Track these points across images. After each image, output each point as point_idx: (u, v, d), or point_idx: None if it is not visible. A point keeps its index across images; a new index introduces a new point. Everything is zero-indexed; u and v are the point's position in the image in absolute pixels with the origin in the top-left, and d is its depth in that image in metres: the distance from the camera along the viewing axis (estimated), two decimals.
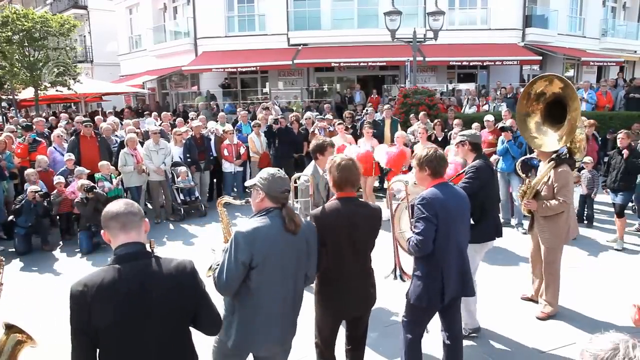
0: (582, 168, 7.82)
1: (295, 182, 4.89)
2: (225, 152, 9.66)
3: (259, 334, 2.66)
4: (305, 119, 11.19)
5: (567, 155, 4.71)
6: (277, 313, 2.69)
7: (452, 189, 3.35)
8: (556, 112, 4.51)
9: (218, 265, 2.66)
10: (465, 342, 4.30)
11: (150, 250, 2.18)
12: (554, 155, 4.58)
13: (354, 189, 3.15)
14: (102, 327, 1.91)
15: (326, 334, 3.32)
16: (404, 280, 4.48)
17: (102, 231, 2.10)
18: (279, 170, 2.76)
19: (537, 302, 4.96)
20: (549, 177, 4.57)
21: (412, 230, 3.40)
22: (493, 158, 8.25)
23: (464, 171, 4.39)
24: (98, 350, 1.98)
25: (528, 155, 6.41)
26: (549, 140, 4.54)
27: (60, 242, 7.81)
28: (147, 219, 2.17)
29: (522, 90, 14.67)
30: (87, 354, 1.96)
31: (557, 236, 4.62)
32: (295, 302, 2.80)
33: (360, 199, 3.41)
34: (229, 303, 2.72)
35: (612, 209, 7.46)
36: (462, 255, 3.34)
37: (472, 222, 4.11)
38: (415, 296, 3.31)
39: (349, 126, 10.28)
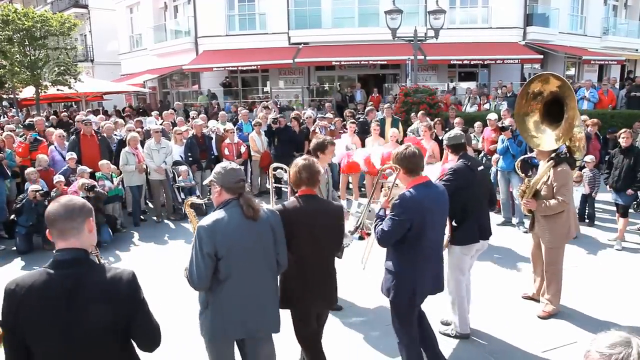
0: (584, 167, 7.82)
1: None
2: (226, 151, 9.65)
3: (234, 320, 2.77)
4: (306, 117, 11.19)
5: (567, 154, 4.71)
6: (250, 297, 2.79)
7: (432, 189, 3.37)
8: (554, 110, 4.53)
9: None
10: (467, 341, 4.30)
11: (95, 253, 2.17)
12: (553, 155, 4.58)
13: (315, 187, 3.28)
14: (28, 331, 1.86)
15: (299, 328, 3.34)
16: None
17: (47, 230, 2.03)
18: (230, 163, 2.92)
19: (538, 301, 4.96)
20: (549, 176, 4.57)
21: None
22: (495, 157, 8.24)
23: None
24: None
25: (528, 155, 6.41)
26: (547, 139, 4.57)
27: None
28: (91, 218, 2.06)
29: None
30: (18, 358, 1.91)
31: (557, 236, 4.62)
32: (269, 286, 2.91)
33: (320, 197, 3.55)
34: (203, 299, 2.80)
35: (613, 208, 7.46)
36: (437, 255, 3.46)
37: (454, 224, 4.16)
38: (385, 289, 3.41)
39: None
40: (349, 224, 4.58)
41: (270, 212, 2.95)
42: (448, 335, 4.38)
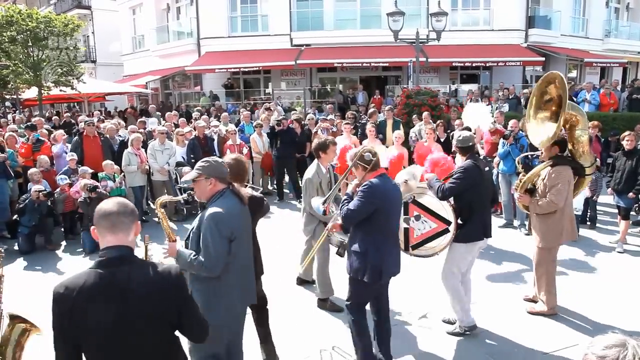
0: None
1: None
2: (228, 152, 9.66)
3: (244, 289, 3.12)
4: (308, 119, 11.21)
5: (570, 157, 4.74)
6: (249, 270, 3.20)
7: (390, 181, 3.75)
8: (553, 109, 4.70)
9: (194, 256, 2.86)
10: (468, 342, 4.31)
11: (145, 247, 2.18)
12: (553, 155, 4.65)
13: (243, 183, 3.60)
14: (82, 332, 1.89)
15: None
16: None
17: (92, 227, 2.08)
18: (210, 157, 3.12)
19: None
20: (545, 175, 4.62)
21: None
22: (496, 160, 8.24)
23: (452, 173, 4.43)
24: (84, 354, 1.95)
25: (529, 152, 6.45)
26: (542, 136, 4.61)
27: (64, 242, 7.83)
28: (139, 222, 2.15)
29: (526, 90, 14.58)
30: (70, 358, 1.94)
31: (547, 236, 4.68)
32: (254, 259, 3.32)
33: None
34: (210, 286, 2.92)
35: (614, 210, 7.46)
36: (397, 240, 3.86)
37: (459, 222, 4.25)
38: (353, 270, 3.64)
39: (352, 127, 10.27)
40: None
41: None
42: (456, 334, 4.39)
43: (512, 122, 7.80)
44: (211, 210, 2.88)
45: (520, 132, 7.67)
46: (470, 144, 4.39)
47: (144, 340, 1.98)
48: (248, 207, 3.21)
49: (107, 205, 2.05)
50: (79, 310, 1.87)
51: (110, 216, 2.01)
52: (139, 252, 2.40)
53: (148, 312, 1.96)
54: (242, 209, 3.06)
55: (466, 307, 4.37)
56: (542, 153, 4.82)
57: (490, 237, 4.40)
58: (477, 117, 8.09)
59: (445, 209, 4.30)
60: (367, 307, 3.90)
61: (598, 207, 8.06)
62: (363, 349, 3.77)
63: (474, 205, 4.22)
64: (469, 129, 7.65)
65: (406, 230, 4.47)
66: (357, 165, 3.70)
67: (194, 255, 2.87)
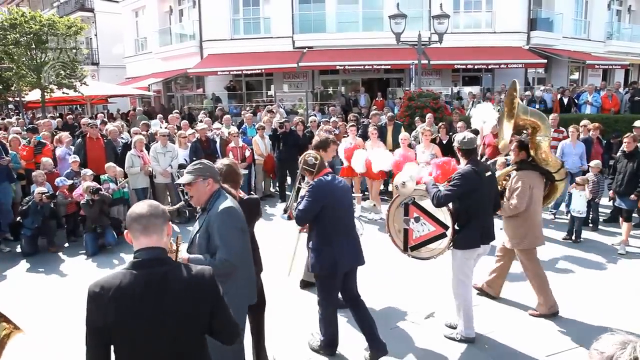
0: (588, 171, 7.82)
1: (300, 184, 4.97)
2: (231, 155, 9.68)
3: (251, 284, 3.23)
4: (311, 121, 11.23)
5: (533, 162, 4.80)
6: (252, 271, 3.30)
7: (336, 178, 3.97)
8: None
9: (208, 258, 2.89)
10: (470, 346, 4.31)
11: (175, 247, 2.21)
12: (519, 159, 4.81)
13: (237, 185, 3.69)
14: (115, 330, 1.92)
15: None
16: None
17: (125, 231, 2.11)
18: (201, 160, 3.15)
19: (483, 292, 5.26)
20: (512, 177, 4.79)
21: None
22: (501, 161, 8.22)
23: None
24: (113, 353, 1.99)
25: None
26: (502, 139, 4.95)
27: (66, 244, 7.85)
28: (171, 224, 2.17)
29: (528, 92, 14.59)
30: (101, 356, 1.97)
31: (512, 238, 4.82)
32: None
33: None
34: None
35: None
36: (351, 232, 3.98)
37: (456, 227, 4.23)
38: (311, 266, 3.89)
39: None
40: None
41: None
42: (453, 339, 4.39)
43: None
44: (221, 206, 2.91)
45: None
46: (474, 146, 4.35)
47: (177, 341, 2.01)
48: (247, 208, 3.30)
49: (139, 207, 2.08)
50: (114, 310, 1.90)
51: (141, 219, 2.03)
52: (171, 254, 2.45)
53: (183, 313, 1.99)
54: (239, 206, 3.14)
55: (470, 320, 4.34)
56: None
57: (493, 240, 4.38)
58: (484, 117, 8.07)
59: (444, 213, 4.30)
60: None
61: (600, 209, 8.06)
62: (326, 338, 4.06)
63: (471, 211, 4.17)
64: (476, 132, 7.67)
65: (405, 231, 4.48)
66: (304, 170, 3.99)
67: (208, 258, 2.85)
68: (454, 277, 4.32)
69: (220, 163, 3.64)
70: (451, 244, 4.29)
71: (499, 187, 4.80)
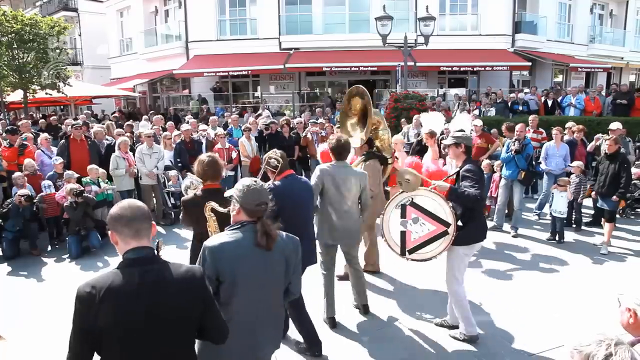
0: (571, 173, 7.92)
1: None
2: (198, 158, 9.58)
3: (231, 346, 2.45)
4: (297, 123, 11.22)
5: (377, 151, 5.71)
6: (250, 327, 2.59)
7: (298, 180, 4.11)
8: (364, 116, 5.68)
9: None
10: (457, 344, 4.33)
11: (157, 251, 2.18)
12: (364, 152, 5.51)
13: (218, 181, 3.82)
14: (106, 330, 1.89)
15: None
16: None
17: (109, 232, 2.06)
18: (255, 182, 2.64)
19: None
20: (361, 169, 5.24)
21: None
22: (486, 162, 8.30)
23: (452, 174, 4.43)
24: (100, 354, 1.96)
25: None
26: (356, 139, 5.57)
27: (49, 247, 7.72)
28: (154, 223, 2.16)
29: (512, 94, 14.79)
30: (84, 357, 1.93)
31: (372, 215, 5.45)
32: (272, 317, 2.71)
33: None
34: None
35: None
36: (308, 233, 4.04)
37: (460, 224, 4.21)
38: None
39: None
40: None
41: (288, 238, 2.72)
42: (456, 338, 4.39)
43: (519, 127, 7.73)
44: (209, 239, 2.58)
45: (527, 138, 7.71)
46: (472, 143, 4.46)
47: (169, 340, 2.00)
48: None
49: (127, 211, 2.03)
50: (108, 309, 1.87)
51: (133, 223, 2.01)
52: None
53: (177, 311, 1.99)
54: (254, 252, 2.53)
55: (469, 316, 4.33)
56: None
57: (486, 237, 4.41)
58: (434, 123, 8.18)
59: (444, 210, 4.19)
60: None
61: (583, 210, 8.17)
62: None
63: (476, 207, 4.22)
64: (433, 134, 7.73)
65: (403, 233, 4.36)
66: (266, 169, 4.10)
67: None
68: (449, 275, 4.32)
69: (205, 155, 3.83)
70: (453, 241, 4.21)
71: None
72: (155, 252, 2.21)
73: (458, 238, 4.19)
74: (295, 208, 3.86)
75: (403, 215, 4.34)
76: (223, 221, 3.07)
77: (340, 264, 5.63)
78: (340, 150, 4.51)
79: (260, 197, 2.59)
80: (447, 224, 4.18)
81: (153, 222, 2.13)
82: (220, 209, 3.10)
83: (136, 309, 1.91)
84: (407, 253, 4.39)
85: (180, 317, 2.01)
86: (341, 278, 5.54)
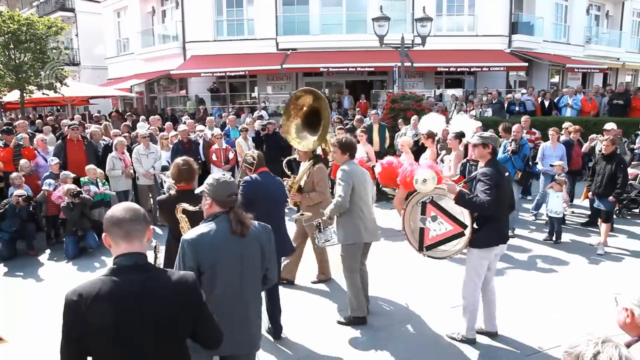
0: (568, 173, 7.96)
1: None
2: (214, 157, 9.62)
3: (226, 337, 2.56)
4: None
5: (323, 156, 5.66)
6: (233, 315, 2.72)
7: (271, 177, 4.39)
8: (313, 120, 5.52)
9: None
10: (455, 344, 4.34)
11: (154, 254, 2.16)
12: (310, 156, 5.49)
13: (192, 183, 4.09)
14: (94, 339, 1.87)
15: None
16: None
17: (103, 234, 2.03)
18: (224, 175, 2.87)
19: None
20: (309, 173, 5.37)
21: None
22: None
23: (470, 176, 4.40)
24: None
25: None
26: (308, 142, 5.50)
27: (48, 250, 7.68)
28: (151, 227, 2.12)
29: (509, 95, 14.78)
30: None
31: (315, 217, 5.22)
32: (252, 304, 2.86)
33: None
34: None
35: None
36: (279, 224, 4.27)
37: (475, 226, 4.16)
38: None
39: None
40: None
41: (261, 227, 2.89)
42: (454, 338, 4.40)
43: (516, 127, 7.71)
44: (187, 233, 2.73)
45: (524, 139, 7.73)
46: (497, 144, 4.45)
47: (159, 349, 1.96)
48: None
49: (120, 212, 1.99)
50: (92, 318, 1.84)
51: (123, 224, 1.96)
52: (149, 259, 2.38)
53: (164, 321, 1.95)
54: (230, 239, 2.68)
55: (474, 321, 4.34)
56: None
57: (506, 243, 4.34)
58: (435, 124, 8.19)
59: (463, 212, 4.19)
60: None
61: (580, 211, 8.21)
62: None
63: (482, 212, 4.10)
64: (432, 134, 7.74)
65: (422, 230, 4.40)
66: (244, 167, 4.40)
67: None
68: (467, 278, 4.29)
69: (180, 159, 4.11)
70: (468, 243, 4.21)
71: (297, 183, 5.46)
72: (154, 255, 2.20)
73: (474, 240, 4.17)
74: (267, 201, 4.12)
75: (423, 212, 4.37)
76: (195, 220, 3.20)
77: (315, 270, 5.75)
78: (355, 148, 4.78)
79: (230, 188, 2.76)
80: (464, 225, 4.17)
81: (150, 227, 2.08)
82: (191, 208, 3.35)
83: (123, 318, 1.88)
84: (424, 249, 4.41)
85: (170, 326, 1.97)
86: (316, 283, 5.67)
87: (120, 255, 1.97)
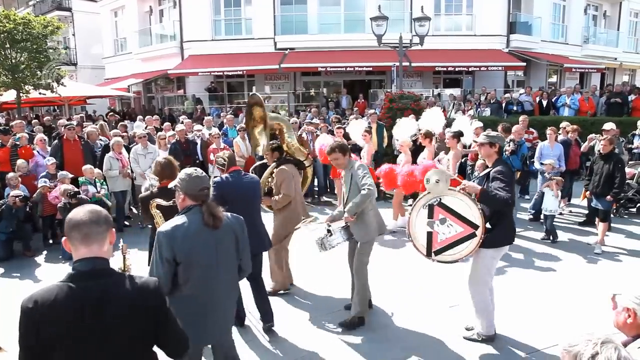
0: (566, 172, 7.96)
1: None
2: (212, 157, 9.59)
3: (195, 325, 2.77)
4: (292, 123, 11.19)
5: (288, 157, 5.65)
6: (209, 304, 2.86)
7: (243, 175, 4.49)
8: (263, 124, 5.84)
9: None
10: (453, 344, 4.34)
11: (122, 257, 2.10)
12: (275, 159, 5.49)
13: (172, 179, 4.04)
14: (51, 347, 1.79)
15: None
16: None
17: (63, 238, 1.96)
18: (196, 170, 2.95)
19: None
20: (273, 176, 5.40)
21: None
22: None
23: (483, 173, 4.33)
24: None
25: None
26: (261, 147, 5.88)
27: (45, 251, 7.64)
28: (114, 230, 2.04)
29: (507, 94, 14.74)
30: None
31: (282, 226, 5.36)
32: (228, 293, 3.01)
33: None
34: None
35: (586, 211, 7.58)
36: (254, 221, 4.33)
37: (488, 226, 4.10)
38: None
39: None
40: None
41: (233, 218, 3.03)
42: (474, 340, 4.36)
43: (516, 128, 7.67)
44: (163, 226, 2.80)
45: (522, 139, 7.73)
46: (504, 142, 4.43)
47: (119, 356, 1.89)
48: None
49: (78, 214, 1.92)
50: (48, 327, 1.77)
51: (81, 226, 1.88)
52: (118, 262, 2.31)
53: (124, 329, 1.87)
54: (203, 231, 2.79)
55: (491, 318, 4.32)
56: None
57: (513, 241, 4.35)
58: (433, 123, 8.17)
59: (473, 212, 4.04)
60: None
61: (576, 210, 8.22)
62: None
63: (505, 208, 4.11)
64: (430, 134, 7.73)
65: (429, 234, 4.20)
66: (217, 168, 4.61)
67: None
68: (479, 278, 4.24)
69: (161, 157, 4.38)
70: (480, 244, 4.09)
71: (265, 187, 5.48)
72: (122, 257, 2.15)
73: (486, 241, 4.05)
74: (239, 199, 4.19)
75: (430, 215, 4.18)
76: (169, 215, 3.31)
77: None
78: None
79: (202, 182, 2.89)
80: (475, 226, 4.03)
81: (112, 230, 2.00)
82: (165, 203, 3.57)
83: (78, 328, 1.80)
84: (433, 254, 4.22)
85: (130, 334, 1.89)
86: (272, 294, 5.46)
87: (78, 260, 1.90)
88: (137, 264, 4.25)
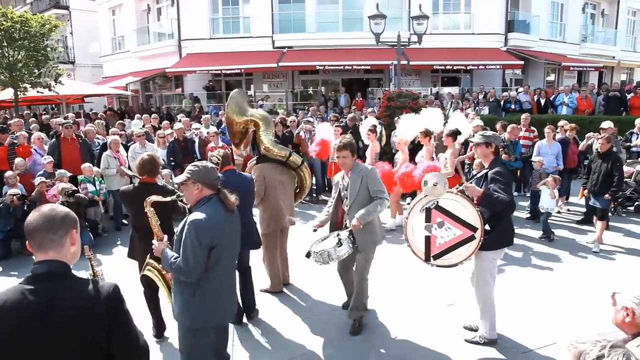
0: (563, 170, 7.98)
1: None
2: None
3: (225, 304, 3.15)
4: (290, 121, 11.18)
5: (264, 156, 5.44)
6: (232, 283, 3.30)
7: (236, 174, 4.60)
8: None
9: (175, 258, 2.95)
10: (450, 343, 4.34)
11: (88, 260, 2.05)
12: (255, 157, 5.65)
13: (154, 177, 4.39)
14: (2, 353, 1.72)
15: None
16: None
17: (27, 242, 1.90)
18: (205, 161, 3.20)
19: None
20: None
21: None
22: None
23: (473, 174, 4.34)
24: None
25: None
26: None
27: None
28: (74, 230, 1.93)
29: (505, 93, 14.82)
30: None
31: (262, 223, 5.27)
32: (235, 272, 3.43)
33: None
34: (188, 288, 2.96)
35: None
36: (246, 221, 4.25)
37: (487, 227, 4.03)
38: None
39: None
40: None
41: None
42: (476, 343, 4.31)
43: (509, 128, 7.66)
44: (192, 216, 2.92)
45: (516, 139, 7.74)
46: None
47: None
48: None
49: (33, 221, 1.85)
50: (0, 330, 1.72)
51: (34, 235, 1.84)
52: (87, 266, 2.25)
53: (71, 337, 1.78)
54: (227, 216, 3.05)
55: (494, 321, 4.29)
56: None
57: (512, 243, 4.34)
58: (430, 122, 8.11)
59: (472, 214, 3.96)
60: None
61: (574, 208, 8.23)
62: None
63: (507, 211, 4.05)
64: (429, 133, 7.73)
65: (427, 238, 4.10)
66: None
67: (175, 258, 2.95)
68: (481, 280, 4.18)
69: (146, 154, 4.41)
70: (479, 246, 4.02)
71: None
72: (89, 264, 2.10)
73: (485, 243, 3.99)
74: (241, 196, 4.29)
75: (428, 219, 4.07)
76: (162, 214, 3.62)
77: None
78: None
79: (215, 172, 3.13)
80: (474, 228, 3.96)
81: (72, 231, 1.91)
82: (163, 199, 3.62)
83: (27, 333, 1.73)
84: (431, 259, 4.13)
85: (78, 344, 1.79)
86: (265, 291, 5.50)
87: (37, 262, 1.85)
88: (135, 262, 4.26)
